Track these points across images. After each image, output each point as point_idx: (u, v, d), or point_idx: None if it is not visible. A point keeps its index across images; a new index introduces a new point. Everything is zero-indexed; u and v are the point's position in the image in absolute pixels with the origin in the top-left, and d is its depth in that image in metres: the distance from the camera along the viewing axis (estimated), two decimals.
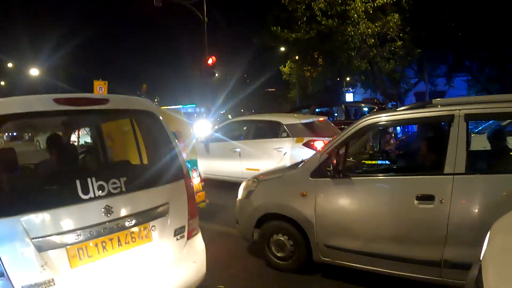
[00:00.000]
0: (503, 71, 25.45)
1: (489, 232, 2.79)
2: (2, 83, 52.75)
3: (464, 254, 3.94)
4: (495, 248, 2.60)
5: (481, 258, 2.65)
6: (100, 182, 3.33)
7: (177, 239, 3.80)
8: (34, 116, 3.39)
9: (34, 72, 45.30)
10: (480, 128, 13.14)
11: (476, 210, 4.04)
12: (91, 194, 3.25)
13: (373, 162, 6.05)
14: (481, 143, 10.29)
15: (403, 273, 4.49)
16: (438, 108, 4.49)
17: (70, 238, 3.09)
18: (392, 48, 22.38)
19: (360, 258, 4.74)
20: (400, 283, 4.71)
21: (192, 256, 3.95)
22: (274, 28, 24.92)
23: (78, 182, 3.23)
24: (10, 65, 48.16)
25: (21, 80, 50.51)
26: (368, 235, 4.68)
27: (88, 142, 8.05)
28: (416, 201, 4.28)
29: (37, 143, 26.28)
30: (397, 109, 4.90)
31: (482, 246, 2.77)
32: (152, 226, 3.62)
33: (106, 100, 3.67)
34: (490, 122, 12.20)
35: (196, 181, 7.89)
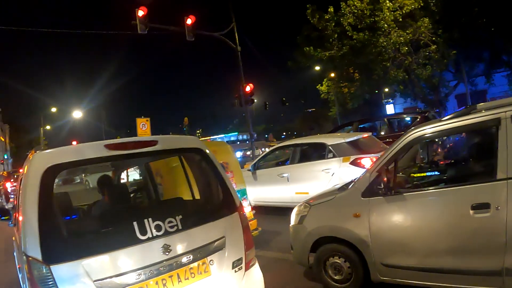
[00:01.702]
0: None
1: None
2: (48, 127, 54.76)
3: None
4: None
5: None
6: (157, 222, 3.45)
7: (235, 271, 3.85)
8: (87, 162, 3.56)
9: (77, 114, 46.66)
10: None
11: None
12: (149, 234, 3.37)
13: (423, 174, 5.95)
14: None
15: (464, 286, 4.37)
16: (483, 113, 4.38)
17: (131, 278, 3.20)
18: (427, 53, 22.22)
19: (419, 274, 4.66)
20: None
21: (251, 286, 4.00)
22: (307, 48, 25.14)
23: (135, 223, 3.35)
24: (54, 109, 49.88)
25: (65, 123, 52.39)
26: (425, 251, 4.60)
27: (137, 179, 8.23)
28: (471, 211, 4.19)
29: (86, 182, 26.96)
30: (442, 119, 4.82)
31: None
32: (210, 261, 3.69)
33: (155, 141, 3.79)
34: None
35: (247, 210, 7.95)
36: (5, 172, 32.74)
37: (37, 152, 3.49)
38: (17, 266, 4.56)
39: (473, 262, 4.26)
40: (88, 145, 3.62)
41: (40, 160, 3.30)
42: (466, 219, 4.25)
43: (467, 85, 28.88)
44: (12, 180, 26.09)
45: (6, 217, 5.92)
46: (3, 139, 60.73)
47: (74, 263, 3.01)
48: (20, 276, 4.05)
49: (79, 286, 2.99)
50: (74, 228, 3.89)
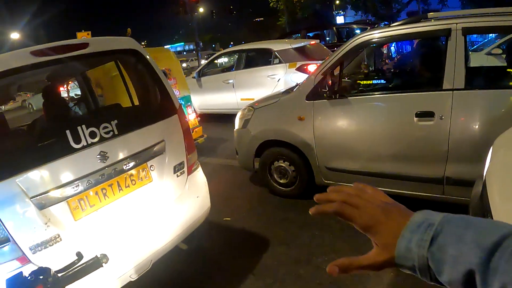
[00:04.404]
0: None
1: (491, 148, 2.74)
2: None
3: (466, 170, 3.92)
4: (498, 163, 2.58)
5: (484, 174, 2.62)
6: (91, 129, 3.20)
7: (178, 176, 3.74)
8: (13, 72, 3.14)
9: (15, 36, 43.43)
10: (475, 46, 12.99)
11: (477, 126, 3.95)
12: (84, 142, 3.13)
13: (369, 82, 5.92)
14: (477, 61, 10.22)
15: (406, 192, 4.48)
16: (434, 22, 4.28)
17: (69, 191, 3.00)
18: None
19: (363, 178, 4.69)
20: (403, 202, 4.73)
21: (195, 191, 3.92)
22: None
23: (68, 132, 3.12)
24: None
25: (3, 46, 49.00)
26: (369, 155, 4.64)
27: (79, 95, 7.89)
28: (415, 118, 4.19)
29: (29, 105, 26.11)
30: (391, 25, 4.71)
31: (483, 162, 2.74)
32: (150, 166, 3.55)
33: (86, 44, 3.43)
34: (486, 40, 12.02)
35: (191, 117, 7.83)
36: None
37: None
38: None
39: (415, 169, 4.33)
40: (12, 54, 3.22)
41: None
42: (410, 126, 4.27)
43: (420, 3, 28.90)
44: None
45: None
46: None
47: (8, 181, 2.76)
48: None
49: (17, 205, 2.78)
50: (8, 147, 3.63)
